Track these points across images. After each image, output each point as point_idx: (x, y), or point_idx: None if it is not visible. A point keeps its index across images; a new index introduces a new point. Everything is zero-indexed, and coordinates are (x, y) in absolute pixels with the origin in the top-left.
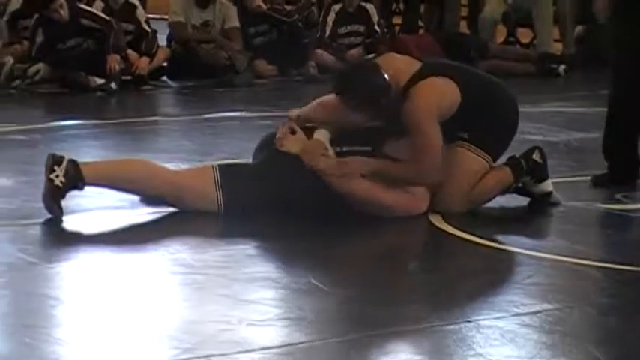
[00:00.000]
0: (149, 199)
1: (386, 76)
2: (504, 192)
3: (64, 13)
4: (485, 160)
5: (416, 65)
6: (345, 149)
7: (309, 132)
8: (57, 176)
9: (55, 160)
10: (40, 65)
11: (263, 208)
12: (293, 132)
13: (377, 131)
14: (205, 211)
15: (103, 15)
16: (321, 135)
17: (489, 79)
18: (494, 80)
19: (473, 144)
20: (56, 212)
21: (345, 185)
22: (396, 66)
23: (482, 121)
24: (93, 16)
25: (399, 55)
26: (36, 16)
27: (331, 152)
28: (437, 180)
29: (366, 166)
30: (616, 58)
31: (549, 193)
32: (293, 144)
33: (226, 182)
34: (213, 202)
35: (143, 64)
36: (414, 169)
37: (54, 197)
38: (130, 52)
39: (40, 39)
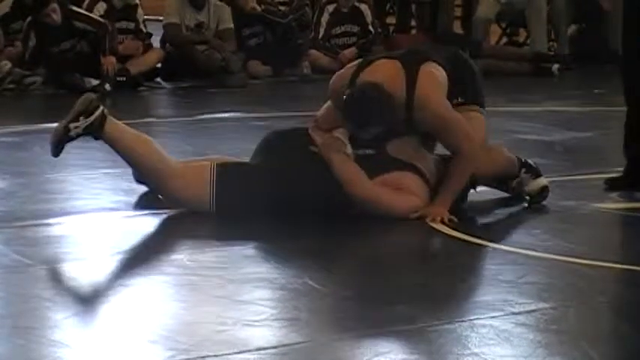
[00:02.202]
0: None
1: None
2: (503, 184)
3: (57, 17)
4: (482, 114)
5: (398, 66)
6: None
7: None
8: (76, 127)
9: (88, 108)
10: (37, 78)
11: (256, 211)
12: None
13: (378, 134)
14: (200, 212)
15: (96, 17)
16: (341, 133)
17: (447, 48)
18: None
19: (469, 103)
20: (56, 155)
21: (353, 187)
22: (386, 75)
23: (465, 82)
24: (86, 19)
25: (381, 62)
26: (28, 19)
27: (349, 150)
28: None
29: (444, 205)
30: (624, 57)
31: (546, 187)
32: (317, 136)
33: (221, 184)
34: (206, 203)
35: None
36: (466, 163)
37: (61, 143)
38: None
39: (32, 42)
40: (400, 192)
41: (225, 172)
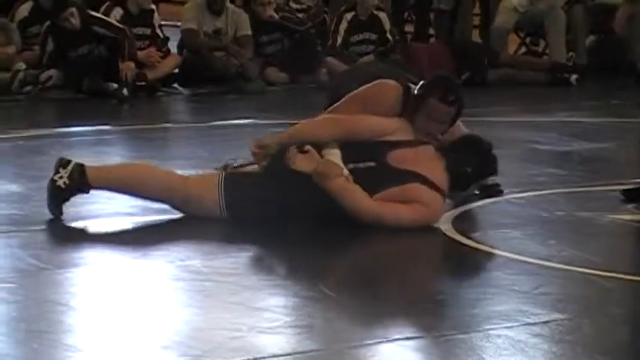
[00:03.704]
0: (155, 202)
1: None
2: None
3: (75, 21)
4: None
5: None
6: (350, 166)
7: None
8: (60, 177)
9: (62, 163)
10: (52, 72)
11: (265, 217)
12: (303, 151)
13: (379, 144)
14: (213, 218)
15: (115, 23)
16: (333, 155)
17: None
18: None
19: None
20: (57, 213)
21: (359, 214)
22: None
23: None
24: (105, 24)
25: None
26: (47, 23)
27: (346, 172)
28: None
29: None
30: None
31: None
32: (305, 163)
33: (229, 192)
34: (217, 211)
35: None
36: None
37: (55, 198)
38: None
39: (50, 47)
40: (407, 205)
41: (233, 177)
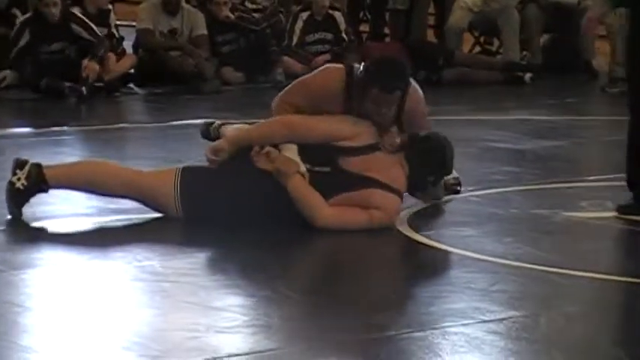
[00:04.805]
0: (113, 198)
1: None
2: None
3: (56, 11)
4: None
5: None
6: (307, 167)
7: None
8: (18, 179)
9: (18, 164)
10: (7, 72)
11: (220, 213)
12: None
13: (334, 150)
14: (171, 218)
15: (93, 26)
16: (290, 150)
17: None
18: None
19: None
20: (16, 215)
21: (315, 221)
22: None
23: None
24: (84, 25)
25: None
26: (26, 15)
27: (303, 169)
28: None
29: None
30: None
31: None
32: (267, 161)
33: (185, 186)
34: (172, 206)
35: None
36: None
37: (14, 200)
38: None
39: (24, 40)
40: (363, 211)
41: (189, 176)
